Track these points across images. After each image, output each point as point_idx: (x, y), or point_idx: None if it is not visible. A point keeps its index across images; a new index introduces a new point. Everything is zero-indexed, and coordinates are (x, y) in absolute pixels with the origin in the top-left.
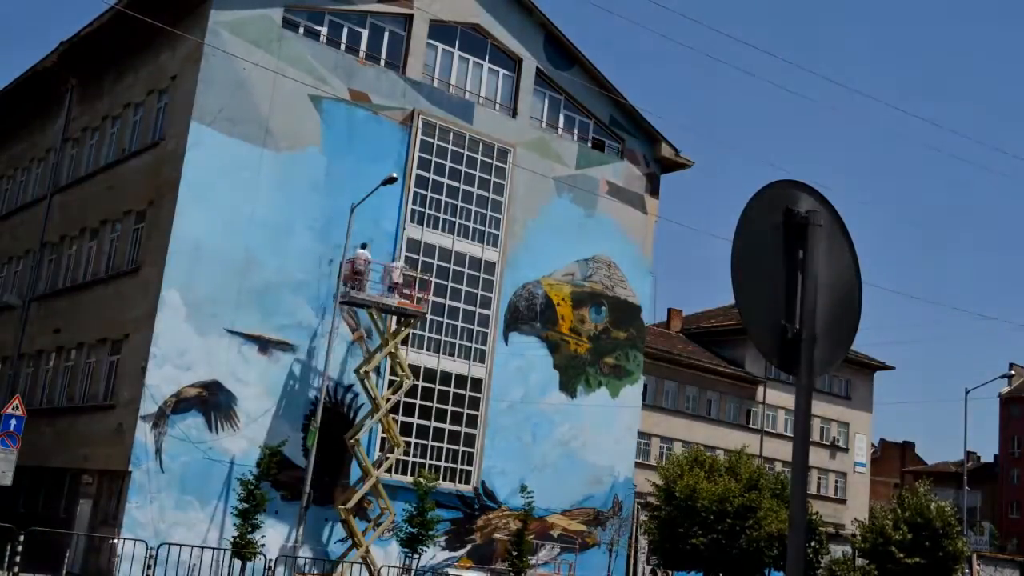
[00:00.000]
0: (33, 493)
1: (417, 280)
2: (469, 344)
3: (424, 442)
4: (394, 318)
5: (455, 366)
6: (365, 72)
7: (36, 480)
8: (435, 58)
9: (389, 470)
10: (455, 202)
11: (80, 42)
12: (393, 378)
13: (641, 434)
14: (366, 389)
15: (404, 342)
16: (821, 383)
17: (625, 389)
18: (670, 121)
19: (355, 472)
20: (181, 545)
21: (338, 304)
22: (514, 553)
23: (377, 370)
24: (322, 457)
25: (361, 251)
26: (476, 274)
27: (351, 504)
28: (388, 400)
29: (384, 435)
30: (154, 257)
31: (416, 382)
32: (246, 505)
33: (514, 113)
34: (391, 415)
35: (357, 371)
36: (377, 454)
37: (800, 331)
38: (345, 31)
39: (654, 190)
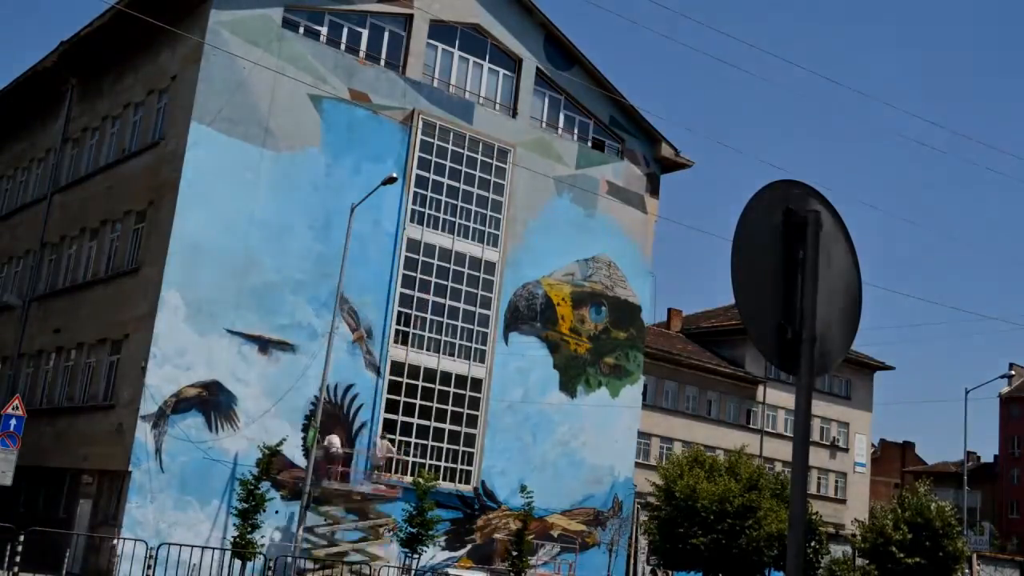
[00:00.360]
0: (33, 493)
1: (396, 461)
2: (469, 344)
3: (424, 442)
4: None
5: (455, 366)
6: (365, 72)
7: (36, 480)
8: (435, 58)
9: (389, 468)
10: (455, 202)
11: (80, 42)
12: (394, 378)
13: (641, 434)
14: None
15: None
16: (821, 383)
17: (625, 389)
18: (670, 121)
19: (355, 472)
20: (181, 545)
21: (316, 431)
22: (514, 553)
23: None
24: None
25: (332, 438)
26: (476, 274)
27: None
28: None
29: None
30: (154, 257)
31: (417, 382)
32: (246, 505)
33: (514, 113)
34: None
35: (305, 448)
36: (376, 459)
37: (800, 331)
38: (345, 31)
39: (654, 190)
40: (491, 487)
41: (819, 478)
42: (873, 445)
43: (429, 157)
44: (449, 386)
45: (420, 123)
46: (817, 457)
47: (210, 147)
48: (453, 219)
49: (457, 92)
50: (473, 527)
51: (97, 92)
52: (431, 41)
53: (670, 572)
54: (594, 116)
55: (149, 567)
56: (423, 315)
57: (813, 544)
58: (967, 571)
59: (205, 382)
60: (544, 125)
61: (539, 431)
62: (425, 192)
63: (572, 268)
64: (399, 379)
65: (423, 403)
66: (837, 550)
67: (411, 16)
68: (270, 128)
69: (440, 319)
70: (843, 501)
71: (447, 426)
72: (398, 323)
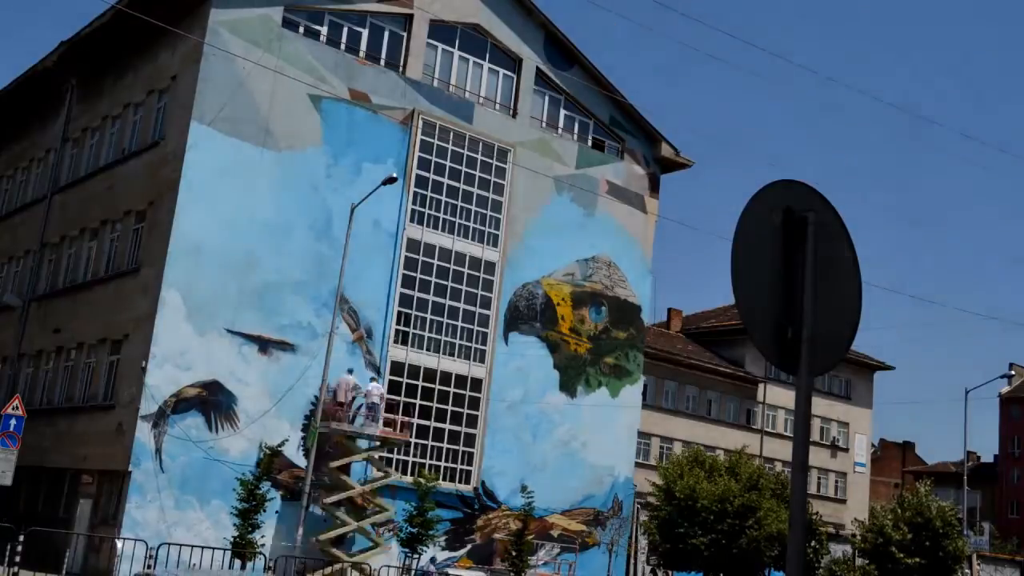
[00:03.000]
0: (33, 493)
1: (401, 404)
2: (469, 344)
3: (424, 442)
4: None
5: (455, 366)
6: (365, 72)
7: (36, 480)
8: (435, 58)
9: (390, 466)
10: (455, 202)
11: (80, 42)
12: (394, 378)
13: (641, 434)
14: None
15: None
16: (821, 383)
17: (625, 389)
18: (670, 121)
19: (355, 472)
20: (181, 545)
21: (316, 431)
22: (514, 553)
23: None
24: (322, 457)
25: (346, 377)
26: (476, 274)
27: (331, 536)
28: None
29: (386, 432)
30: (154, 257)
31: (417, 382)
32: (246, 505)
33: (514, 113)
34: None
35: (305, 448)
36: (374, 473)
37: (800, 331)
38: (345, 31)
39: (654, 190)
40: (491, 487)
41: (819, 478)
42: (873, 445)
43: (429, 157)
44: (449, 386)
45: (420, 123)
46: (817, 457)
47: (210, 147)
48: (453, 219)
49: (457, 92)
50: (473, 527)
51: (97, 92)
52: (431, 41)
53: (670, 572)
54: (594, 116)
55: (149, 567)
56: (423, 315)
57: (813, 544)
58: (967, 571)
59: (205, 382)
60: (544, 125)
61: (539, 431)
62: (425, 192)
63: (572, 268)
64: (399, 379)
65: (423, 403)
66: (837, 550)
67: (411, 16)
68: (270, 128)
69: (440, 319)
70: (843, 501)
71: (447, 426)
72: (398, 323)
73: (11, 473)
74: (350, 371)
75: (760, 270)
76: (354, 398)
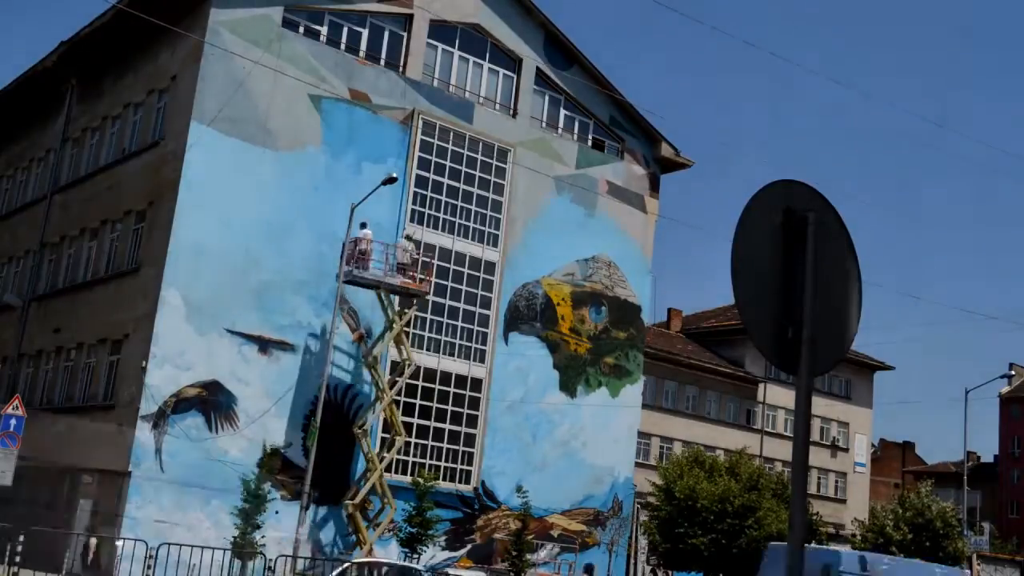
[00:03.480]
0: (33, 493)
1: (420, 261)
2: (469, 344)
3: (424, 442)
4: (397, 300)
5: (455, 366)
6: (365, 72)
7: (36, 480)
8: (435, 58)
9: (389, 468)
10: (455, 202)
11: (80, 42)
12: (394, 378)
13: (641, 434)
14: (373, 376)
15: (405, 335)
16: (821, 383)
17: (625, 389)
18: (670, 121)
19: (356, 472)
20: (181, 545)
21: (341, 283)
22: (514, 553)
23: (377, 361)
24: (322, 457)
25: (363, 231)
26: (476, 274)
27: (358, 499)
28: (393, 385)
29: (384, 435)
30: (154, 257)
31: (417, 382)
32: (246, 505)
33: (514, 113)
34: (393, 404)
35: (364, 358)
36: (378, 450)
37: (800, 331)
38: (345, 31)
39: (654, 190)
40: (491, 487)
41: (819, 478)
42: (873, 445)
43: (429, 157)
44: (449, 386)
45: (420, 123)
46: (817, 457)
47: (210, 147)
48: (453, 219)
49: (457, 92)
50: (473, 527)
51: (97, 92)
52: (431, 41)
53: (670, 572)
54: (594, 116)
55: (149, 567)
56: (423, 315)
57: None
58: (967, 571)
59: (205, 382)
60: (544, 125)
61: (539, 431)
62: (425, 192)
63: (572, 268)
64: (399, 378)
65: (423, 403)
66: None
67: (411, 16)
68: (270, 128)
69: (440, 319)
70: (843, 501)
71: (447, 426)
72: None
73: (11, 473)
74: (363, 225)
75: (760, 270)
76: (370, 249)
